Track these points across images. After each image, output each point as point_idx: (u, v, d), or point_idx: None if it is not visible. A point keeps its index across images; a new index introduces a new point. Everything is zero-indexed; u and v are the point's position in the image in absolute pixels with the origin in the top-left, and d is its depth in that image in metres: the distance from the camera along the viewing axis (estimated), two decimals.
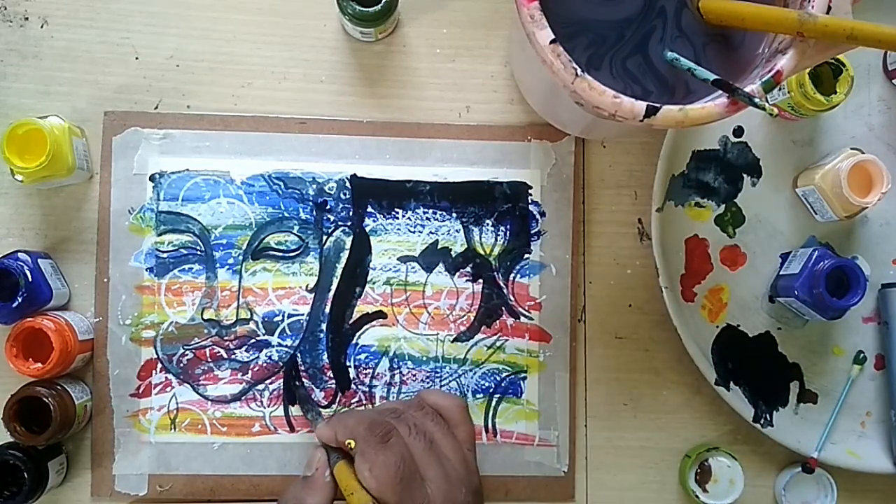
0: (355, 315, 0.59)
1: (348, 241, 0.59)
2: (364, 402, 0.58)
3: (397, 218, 0.59)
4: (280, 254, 0.58)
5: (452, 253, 0.59)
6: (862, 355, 0.60)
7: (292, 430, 0.58)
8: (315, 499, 0.49)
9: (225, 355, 0.58)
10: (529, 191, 0.59)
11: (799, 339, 0.60)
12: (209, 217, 0.58)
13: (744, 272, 0.60)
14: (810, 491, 0.60)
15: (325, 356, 0.58)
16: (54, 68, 0.58)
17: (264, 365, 0.58)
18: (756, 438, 0.60)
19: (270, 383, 0.58)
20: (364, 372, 0.58)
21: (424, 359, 0.59)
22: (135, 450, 0.57)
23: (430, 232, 0.59)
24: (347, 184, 0.59)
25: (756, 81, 0.42)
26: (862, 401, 0.60)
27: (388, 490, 0.46)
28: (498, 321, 0.59)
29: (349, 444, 0.48)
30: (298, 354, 0.58)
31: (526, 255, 0.59)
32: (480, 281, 0.59)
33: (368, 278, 0.59)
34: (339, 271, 0.59)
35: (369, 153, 0.59)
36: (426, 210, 0.59)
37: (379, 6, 0.54)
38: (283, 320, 0.58)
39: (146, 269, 0.57)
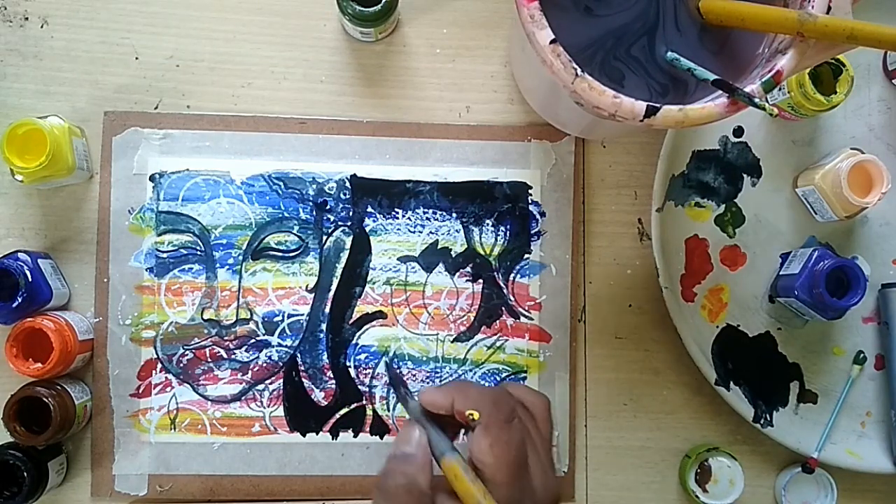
0: (355, 315, 0.59)
1: (348, 241, 0.59)
2: (364, 402, 0.58)
3: (397, 218, 0.59)
4: (280, 254, 0.58)
5: (452, 253, 0.59)
6: (862, 355, 0.60)
7: (292, 430, 0.58)
8: (423, 477, 0.46)
9: (225, 355, 0.58)
10: (529, 191, 0.59)
11: (799, 339, 0.60)
12: (209, 217, 0.58)
13: (744, 272, 0.60)
14: (810, 491, 0.60)
15: (325, 356, 0.58)
16: (54, 68, 0.58)
17: (264, 365, 0.58)
18: (756, 438, 0.60)
19: (270, 383, 0.58)
20: (364, 372, 0.58)
21: (424, 359, 0.59)
22: (135, 450, 0.57)
23: (430, 232, 0.59)
24: (347, 184, 0.59)
25: (756, 81, 0.42)
26: (862, 401, 0.60)
27: (504, 470, 0.44)
28: (498, 321, 0.59)
29: (472, 414, 0.45)
30: (298, 354, 0.58)
31: (526, 255, 0.59)
32: (480, 281, 0.59)
33: (368, 278, 0.59)
34: (339, 271, 0.59)
35: (369, 153, 0.59)
36: (426, 210, 0.59)
37: (379, 6, 0.54)
38: (283, 320, 0.58)
39: (146, 269, 0.57)
